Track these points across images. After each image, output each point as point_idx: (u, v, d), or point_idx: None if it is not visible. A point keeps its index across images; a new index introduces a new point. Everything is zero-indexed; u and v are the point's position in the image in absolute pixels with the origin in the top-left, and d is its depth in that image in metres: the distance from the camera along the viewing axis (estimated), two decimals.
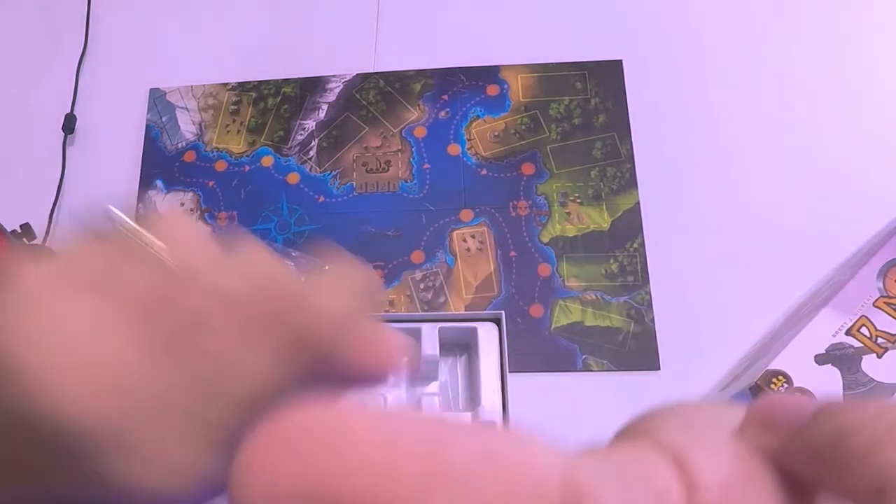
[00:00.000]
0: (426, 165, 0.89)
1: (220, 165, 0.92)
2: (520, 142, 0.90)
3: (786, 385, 0.69)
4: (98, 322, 0.16)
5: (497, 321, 0.76)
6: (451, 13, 0.97)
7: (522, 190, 0.87)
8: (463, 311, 0.81)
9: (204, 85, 0.96)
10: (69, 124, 0.94)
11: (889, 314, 0.74)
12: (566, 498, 0.11)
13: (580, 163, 0.88)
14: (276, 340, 0.17)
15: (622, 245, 0.84)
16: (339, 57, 0.96)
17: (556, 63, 0.93)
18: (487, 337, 0.76)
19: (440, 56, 0.94)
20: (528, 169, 0.88)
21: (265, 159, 0.92)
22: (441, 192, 0.88)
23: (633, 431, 0.14)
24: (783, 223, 0.83)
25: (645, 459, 0.13)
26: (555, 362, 0.79)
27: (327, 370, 0.18)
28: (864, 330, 0.72)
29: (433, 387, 0.78)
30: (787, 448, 0.13)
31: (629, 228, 0.84)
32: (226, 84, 0.96)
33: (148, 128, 0.95)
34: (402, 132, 0.91)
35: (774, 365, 0.70)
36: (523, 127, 0.90)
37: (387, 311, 0.82)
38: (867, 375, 0.70)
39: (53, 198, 0.90)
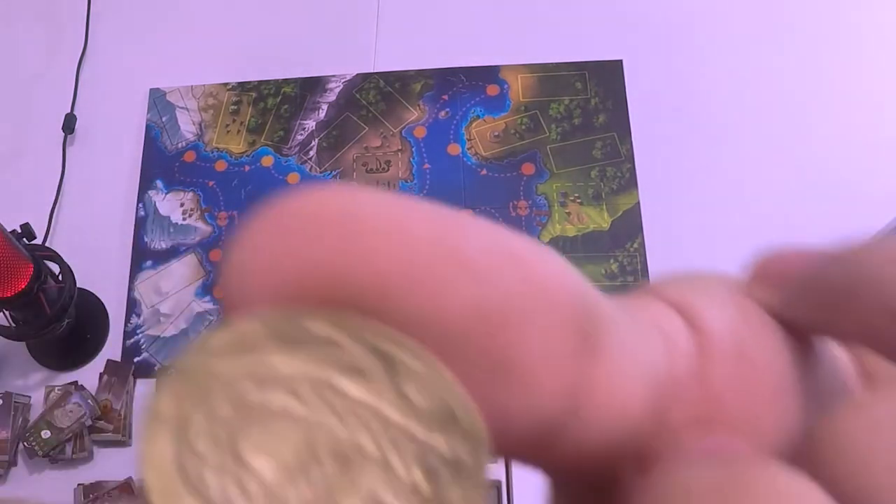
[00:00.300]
0: (426, 165, 0.89)
1: (220, 165, 0.92)
2: (520, 142, 0.90)
3: None
4: None
5: None
6: (451, 13, 0.97)
7: (522, 190, 0.87)
8: None
9: (204, 85, 0.96)
10: (69, 124, 0.94)
11: None
12: (583, 314, 0.11)
13: (580, 163, 0.88)
14: None
15: (622, 245, 0.84)
16: (339, 57, 0.96)
17: (556, 63, 0.93)
18: None
19: (440, 56, 0.94)
20: (528, 169, 0.88)
21: (265, 159, 0.92)
22: (441, 192, 0.88)
23: (639, 292, 0.14)
24: (783, 223, 0.83)
25: (654, 308, 0.12)
26: None
27: None
28: None
29: None
30: (797, 296, 0.12)
31: (629, 228, 0.84)
32: (226, 84, 0.96)
33: (148, 128, 0.95)
34: (402, 132, 0.91)
35: None
36: (523, 127, 0.90)
37: None
38: None
39: (53, 198, 0.90)
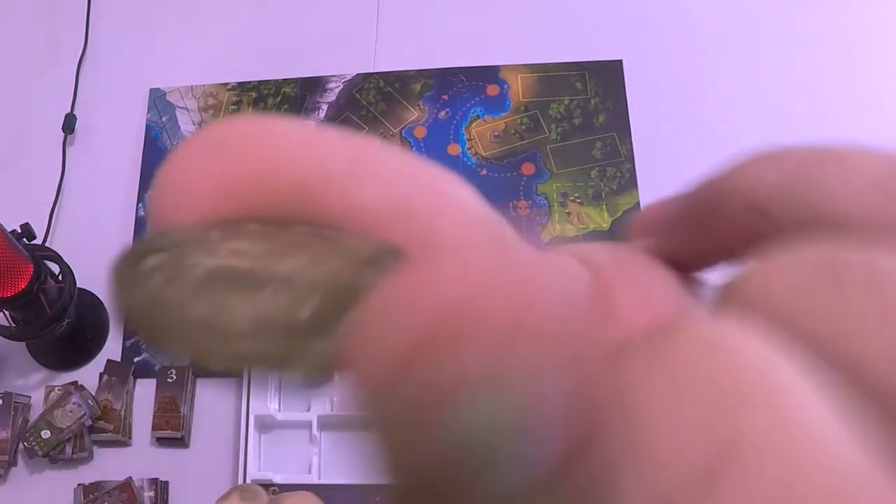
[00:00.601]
0: None
1: None
2: (520, 142, 0.90)
3: None
4: None
5: None
6: (451, 13, 0.97)
7: (522, 190, 0.87)
8: None
9: (204, 85, 0.96)
10: (69, 124, 0.94)
11: None
12: (490, 219, 0.11)
13: (580, 163, 0.88)
14: None
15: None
16: (339, 57, 0.96)
17: (556, 63, 0.93)
18: None
19: (440, 56, 0.94)
20: (528, 169, 0.88)
21: None
22: None
23: None
24: None
25: (554, 253, 0.13)
26: None
27: None
28: None
29: None
30: (670, 230, 0.13)
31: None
32: (226, 84, 0.96)
33: (148, 128, 0.95)
34: (402, 132, 0.91)
35: None
36: (523, 127, 0.90)
37: None
38: None
39: (53, 198, 0.90)
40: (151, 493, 0.77)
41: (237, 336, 0.10)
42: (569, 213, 0.86)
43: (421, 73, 0.94)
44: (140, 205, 0.91)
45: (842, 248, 0.10)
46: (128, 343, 0.85)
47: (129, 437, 0.81)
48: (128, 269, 0.11)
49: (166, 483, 0.79)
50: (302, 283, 0.11)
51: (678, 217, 0.13)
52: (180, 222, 0.11)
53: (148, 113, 0.95)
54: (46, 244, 0.87)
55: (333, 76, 0.95)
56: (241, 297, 0.11)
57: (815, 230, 0.11)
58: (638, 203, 0.85)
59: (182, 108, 0.95)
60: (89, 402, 0.78)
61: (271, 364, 0.11)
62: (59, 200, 0.91)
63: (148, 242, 0.11)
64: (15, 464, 0.80)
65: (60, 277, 0.78)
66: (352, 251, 0.11)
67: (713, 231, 0.13)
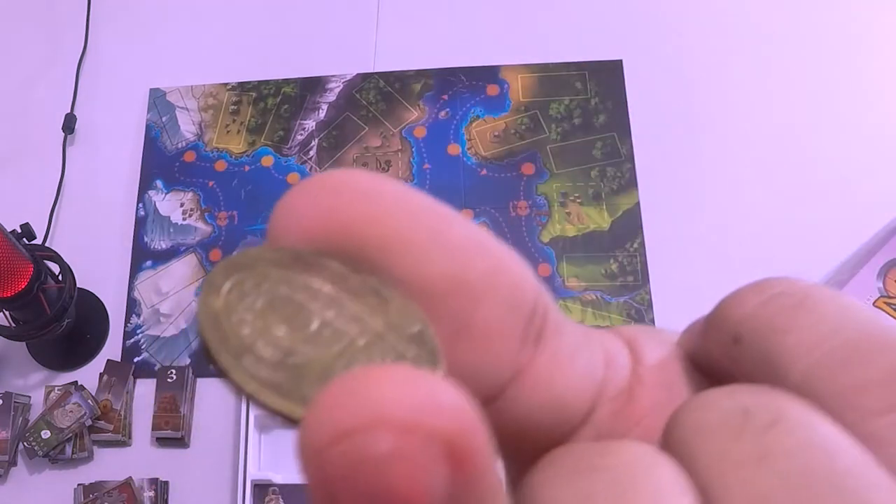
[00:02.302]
0: (426, 165, 0.89)
1: (220, 165, 0.92)
2: (520, 142, 0.90)
3: None
4: None
5: None
6: (451, 13, 0.97)
7: (522, 190, 0.87)
8: None
9: (204, 85, 0.96)
10: (69, 124, 0.94)
11: (889, 314, 0.74)
12: (536, 307, 0.13)
13: (580, 163, 0.88)
14: None
15: (622, 245, 0.84)
16: (339, 57, 0.96)
17: (556, 63, 0.93)
18: None
19: (440, 56, 0.94)
20: (528, 169, 0.88)
21: (265, 159, 0.92)
22: (441, 192, 0.88)
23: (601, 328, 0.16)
24: (783, 223, 0.83)
25: (606, 334, 0.15)
26: None
27: None
28: None
29: None
30: (690, 341, 0.15)
31: (629, 228, 0.84)
32: (226, 84, 0.96)
33: (148, 128, 0.95)
34: (402, 132, 0.91)
35: None
36: (523, 127, 0.90)
37: None
38: None
39: (53, 198, 0.90)
40: (151, 493, 0.77)
41: (261, 364, 0.12)
42: (569, 213, 0.86)
43: (421, 73, 0.94)
44: (140, 205, 0.91)
45: (760, 396, 0.11)
46: (128, 343, 0.85)
47: (129, 437, 0.81)
48: (211, 286, 0.13)
49: (166, 483, 0.79)
50: (341, 337, 0.12)
51: (695, 329, 0.15)
52: (286, 239, 0.13)
53: (148, 113, 0.95)
54: (46, 244, 0.87)
55: (333, 76, 0.95)
56: (288, 329, 0.12)
57: (766, 376, 0.12)
58: (638, 203, 0.85)
59: (182, 108, 0.95)
60: (89, 402, 0.79)
61: (273, 398, 0.12)
62: (59, 200, 0.91)
63: (235, 260, 0.13)
64: (15, 464, 0.80)
65: (60, 277, 0.78)
66: (401, 322, 0.12)
67: (710, 348, 0.14)
